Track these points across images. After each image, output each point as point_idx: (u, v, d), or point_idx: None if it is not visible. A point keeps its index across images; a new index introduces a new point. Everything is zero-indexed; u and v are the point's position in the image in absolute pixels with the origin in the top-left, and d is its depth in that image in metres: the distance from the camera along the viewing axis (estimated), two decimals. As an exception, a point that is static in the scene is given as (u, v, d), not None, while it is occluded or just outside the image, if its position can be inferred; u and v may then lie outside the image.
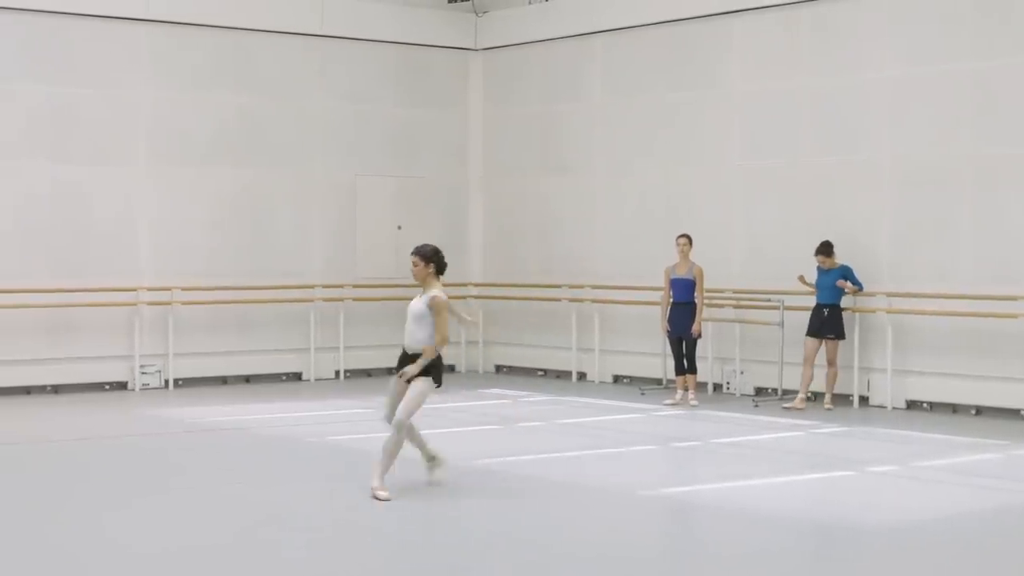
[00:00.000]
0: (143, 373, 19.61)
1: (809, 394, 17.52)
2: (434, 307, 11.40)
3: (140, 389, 19.48)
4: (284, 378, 20.84)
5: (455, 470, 12.19)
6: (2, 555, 9.63)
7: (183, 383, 19.86)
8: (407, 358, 11.45)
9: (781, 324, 18.01)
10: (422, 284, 11.60)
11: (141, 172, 19.89)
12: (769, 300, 18.35)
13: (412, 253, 11.66)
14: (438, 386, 11.43)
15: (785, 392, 18.04)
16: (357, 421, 16.76)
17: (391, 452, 11.32)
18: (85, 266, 19.36)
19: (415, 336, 11.41)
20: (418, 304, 11.49)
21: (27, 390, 18.90)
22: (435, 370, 11.40)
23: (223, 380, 20.30)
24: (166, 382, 19.75)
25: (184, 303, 19.88)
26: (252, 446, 14.87)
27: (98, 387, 19.38)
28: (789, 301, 18.03)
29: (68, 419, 16.84)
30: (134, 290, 19.64)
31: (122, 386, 19.55)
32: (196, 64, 20.31)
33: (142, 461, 13.80)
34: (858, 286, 17.42)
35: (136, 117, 19.85)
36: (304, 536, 10.25)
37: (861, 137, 18.02)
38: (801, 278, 17.65)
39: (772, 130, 18.91)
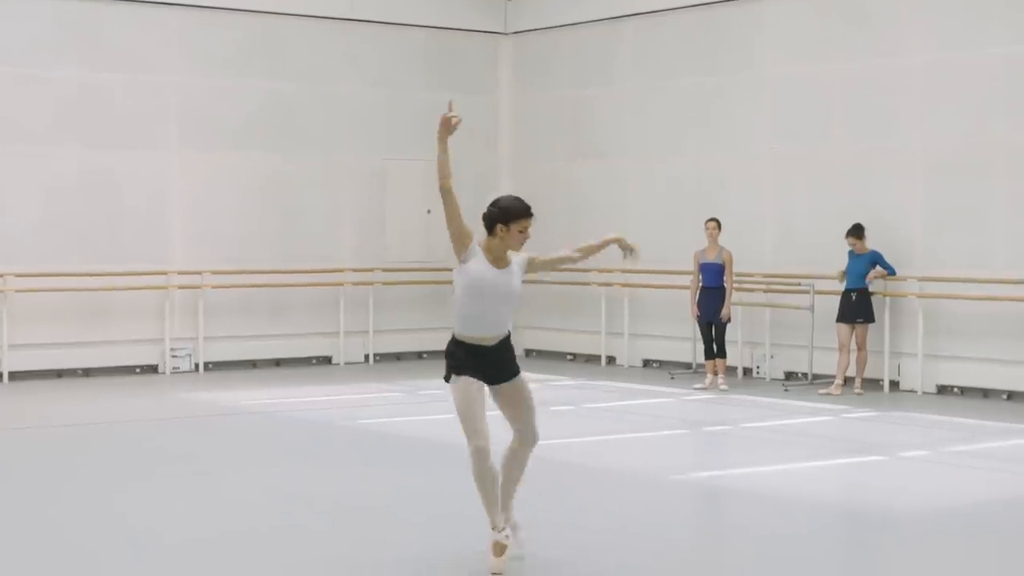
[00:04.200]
0: (174, 357, 19.68)
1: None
2: (537, 264, 8.92)
3: (171, 373, 19.55)
4: (314, 362, 20.89)
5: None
6: (28, 544, 9.68)
7: (213, 367, 19.92)
8: (491, 351, 8.70)
9: (811, 308, 17.97)
10: (501, 251, 8.69)
11: (171, 157, 19.94)
12: (799, 284, 18.30)
13: (530, 215, 8.63)
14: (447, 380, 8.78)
15: (816, 377, 18.00)
16: (387, 405, 16.80)
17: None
18: (116, 250, 19.43)
19: (506, 319, 8.80)
20: (510, 276, 8.69)
21: (58, 373, 18.99)
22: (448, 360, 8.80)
23: (253, 364, 20.36)
24: (196, 366, 19.82)
25: (214, 287, 19.94)
26: (282, 430, 14.91)
27: (129, 371, 19.46)
28: (819, 285, 17.99)
29: (98, 402, 16.92)
30: (165, 274, 19.71)
31: (152, 369, 19.62)
32: (226, 49, 20.34)
33: (172, 445, 13.85)
34: (889, 270, 17.36)
35: (166, 102, 19.90)
36: (335, 520, 10.29)
37: (893, 123, 17.93)
38: (841, 274, 17.50)
39: (803, 115, 18.83)
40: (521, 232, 8.60)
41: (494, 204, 8.68)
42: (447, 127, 8.72)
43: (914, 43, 17.71)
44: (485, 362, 8.61)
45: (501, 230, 8.59)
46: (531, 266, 8.84)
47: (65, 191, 19.14)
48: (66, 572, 8.87)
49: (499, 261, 8.65)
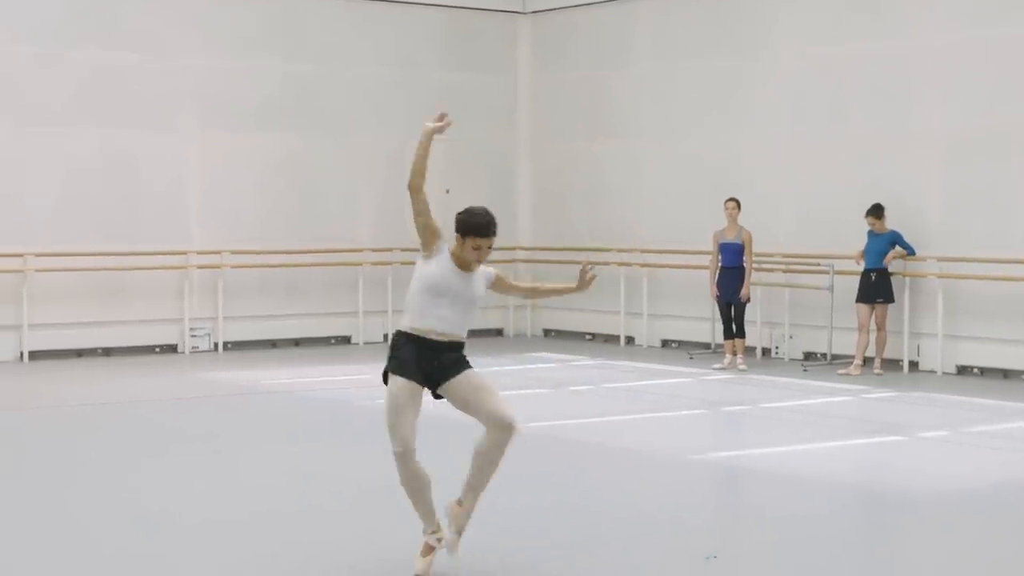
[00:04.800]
0: (193, 336, 19.72)
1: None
2: (502, 285, 8.55)
3: (190, 352, 19.59)
4: (333, 342, 20.89)
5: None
6: (47, 523, 9.72)
7: (232, 346, 19.96)
8: (441, 348, 8.24)
9: (831, 289, 17.93)
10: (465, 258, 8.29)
11: (190, 137, 19.95)
12: (819, 265, 18.26)
13: (487, 235, 8.28)
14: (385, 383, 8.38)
15: (835, 357, 17.97)
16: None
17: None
18: (135, 230, 19.46)
19: (463, 322, 8.32)
20: (471, 282, 8.27)
21: (78, 353, 19.03)
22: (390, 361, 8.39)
23: (272, 344, 20.39)
24: (216, 345, 19.85)
25: (234, 267, 19.96)
26: (301, 410, 14.93)
27: (148, 350, 19.50)
28: (839, 266, 17.94)
29: (118, 382, 16.96)
30: (184, 254, 19.73)
31: (172, 349, 19.66)
32: (244, 30, 20.32)
33: (191, 424, 13.88)
34: (909, 250, 17.31)
35: (185, 83, 19.89)
36: (353, 500, 10.31)
37: (911, 103, 17.86)
38: (860, 254, 17.41)
39: (822, 96, 18.76)
40: (476, 249, 8.18)
41: (463, 212, 8.43)
42: (439, 129, 8.61)
43: (932, 24, 17.62)
44: (430, 360, 8.16)
45: (458, 239, 8.26)
46: (496, 284, 8.44)
47: (84, 172, 19.16)
48: (84, 552, 8.90)
49: (465, 266, 8.25)
